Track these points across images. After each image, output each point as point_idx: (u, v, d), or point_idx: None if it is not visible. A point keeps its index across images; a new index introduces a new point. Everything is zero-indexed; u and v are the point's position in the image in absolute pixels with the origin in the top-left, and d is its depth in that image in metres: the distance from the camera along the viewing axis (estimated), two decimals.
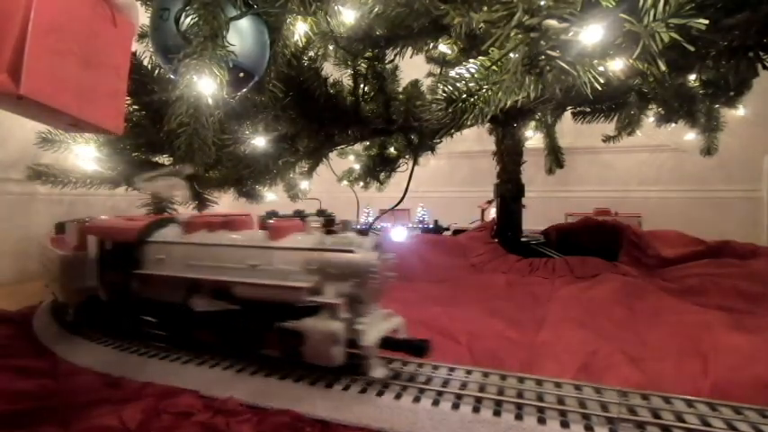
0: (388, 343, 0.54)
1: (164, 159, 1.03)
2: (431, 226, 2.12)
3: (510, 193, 1.46)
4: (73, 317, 0.76)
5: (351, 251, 0.54)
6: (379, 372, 0.54)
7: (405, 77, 1.07)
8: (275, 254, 0.58)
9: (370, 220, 2.04)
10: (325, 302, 0.54)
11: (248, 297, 0.59)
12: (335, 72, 0.99)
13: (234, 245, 0.63)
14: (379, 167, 1.39)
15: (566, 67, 0.44)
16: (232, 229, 0.66)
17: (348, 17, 0.83)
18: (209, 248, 0.64)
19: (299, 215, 1.47)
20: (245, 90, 0.70)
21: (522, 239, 1.53)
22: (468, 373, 0.58)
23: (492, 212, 1.86)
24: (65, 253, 0.75)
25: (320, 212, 1.70)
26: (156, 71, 0.85)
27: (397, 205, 1.33)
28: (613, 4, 0.42)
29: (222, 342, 0.64)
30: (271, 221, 0.64)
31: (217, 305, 0.62)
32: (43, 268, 0.95)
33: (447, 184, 2.43)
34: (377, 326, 0.55)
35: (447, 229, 2.02)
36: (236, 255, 0.61)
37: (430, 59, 1.25)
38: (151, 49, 0.79)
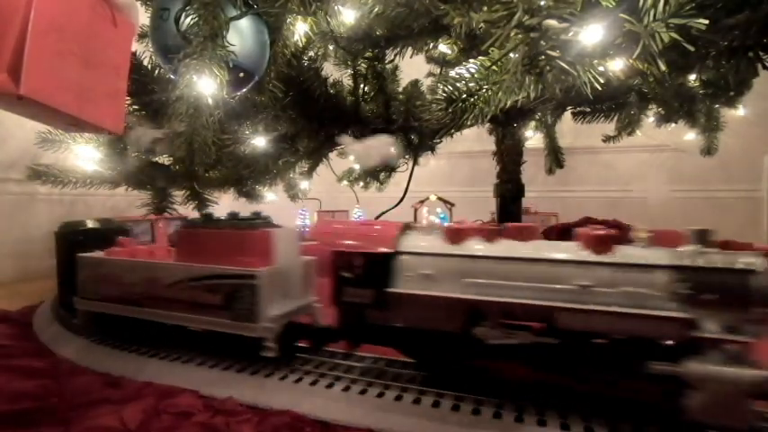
0: None
1: (163, 159, 1.03)
2: None
3: (510, 193, 1.46)
4: (279, 350, 0.60)
5: (751, 271, 0.41)
6: None
7: (405, 77, 1.07)
8: (622, 273, 0.45)
9: (307, 222, 2.00)
10: (723, 340, 0.41)
11: (576, 328, 0.47)
12: (335, 72, 0.99)
13: (551, 259, 0.49)
14: (379, 167, 1.38)
15: (566, 67, 0.44)
16: (516, 238, 0.53)
17: (348, 17, 0.83)
18: (505, 263, 0.50)
19: (234, 218, 1.33)
20: (245, 90, 0.70)
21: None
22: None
23: (424, 212, 1.87)
24: (256, 270, 0.59)
25: (255, 214, 1.58)
26: (156, 71, 0.85)
27: (396, 206, 1.33)
28: (613, 4, 0.42)
29: (535, 382, 0.51)
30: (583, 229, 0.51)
31: (521, 337, 0.50)
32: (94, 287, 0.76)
33: (447, 184, 2.43)
34: None
35: None
36: (554, 272, 0.48)
37: (430, 59, 1.25)
38: (151, 49, 0.79)
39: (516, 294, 0.49)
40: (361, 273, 0.56)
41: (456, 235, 0.54)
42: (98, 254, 0.78)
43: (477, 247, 0.53)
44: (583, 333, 0.47)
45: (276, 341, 0.59)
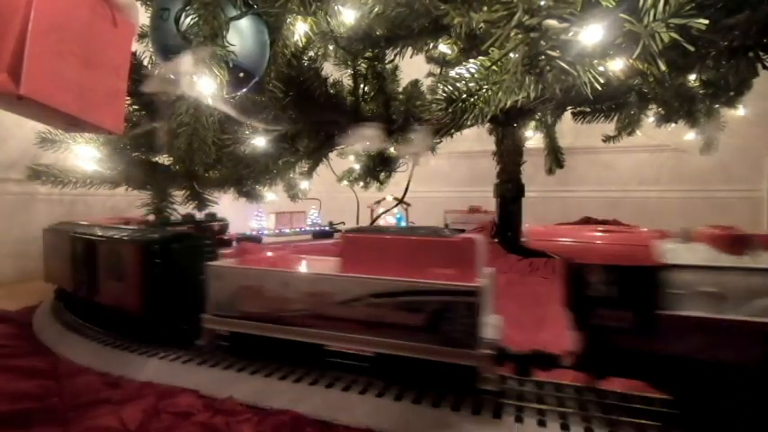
0: None
1: (164, 159, 1.03)
2: (326, 228, 2.12)
3: (510, 193, 1.46)
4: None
5: None
6: None
7: (405, 77, 1.07)
8: None
9: (263, 224, 1.97)
10: None
11: None
12: (335, 72, 0.99)
13: None
14: (379, 167, 1.39)
15: (566, 67, 0.44)
16: None
17: (348, 17, 0.83)
18: None
19: (191, 220, 1.19)
20: (245, 90, 0.70)
21: (523, 239, 1.53)
22: None
23: (380, 212, 1.87)
24: None
25: (210, 216, 1.35)
26: (156, 71, 0.85)
27: (396, 205, 1.33)
28: (613, 4, 0.42)
29: None
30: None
31: None
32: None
33: (447, 184, 2.43)
34: None
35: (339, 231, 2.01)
36: None
37: (430, 59, 1.25)
38: (151, 49, 0.79)
39: None
40: (619, 290, 0.46)
41: (737, 244, 0.44)
42: (230, 263, 0.66)
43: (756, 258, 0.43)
44: None
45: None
